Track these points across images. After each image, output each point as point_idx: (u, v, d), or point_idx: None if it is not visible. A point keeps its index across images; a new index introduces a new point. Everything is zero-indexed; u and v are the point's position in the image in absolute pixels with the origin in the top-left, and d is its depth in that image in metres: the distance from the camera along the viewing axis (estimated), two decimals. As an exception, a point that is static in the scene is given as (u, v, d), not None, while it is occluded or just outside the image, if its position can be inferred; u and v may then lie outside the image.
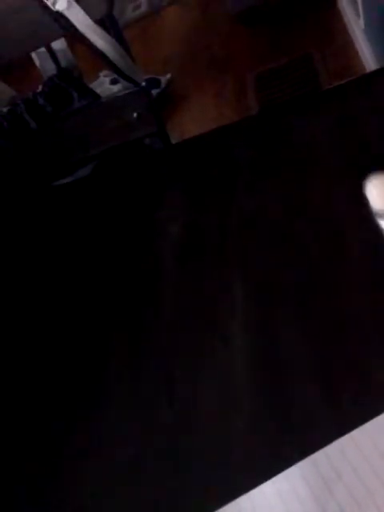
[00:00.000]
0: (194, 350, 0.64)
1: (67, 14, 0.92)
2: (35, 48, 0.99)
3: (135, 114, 1.17)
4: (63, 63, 1.08)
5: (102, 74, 2.20)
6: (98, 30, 0.98)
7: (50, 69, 1.08)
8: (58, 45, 1.03)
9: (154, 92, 2.30)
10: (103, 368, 0.67)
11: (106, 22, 1.03)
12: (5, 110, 1.14)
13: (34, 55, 1.04)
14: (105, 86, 2.19)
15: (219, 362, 0.62)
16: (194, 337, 0.65)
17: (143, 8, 2.92)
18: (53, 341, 0.72)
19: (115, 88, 1.97)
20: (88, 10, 0.94)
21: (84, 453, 0.60)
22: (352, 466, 0.49)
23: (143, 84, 1.18)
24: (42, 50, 1.02)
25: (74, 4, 0.90)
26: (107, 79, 2.19)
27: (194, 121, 2.28)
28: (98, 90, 2.11)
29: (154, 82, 2.33)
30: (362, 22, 2.10)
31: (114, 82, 2.11)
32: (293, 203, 0.75)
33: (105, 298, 0.74)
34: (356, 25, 2.22)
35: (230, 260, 0.72)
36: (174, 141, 1.53)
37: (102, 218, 0.85)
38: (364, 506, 0.47)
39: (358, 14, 2.11)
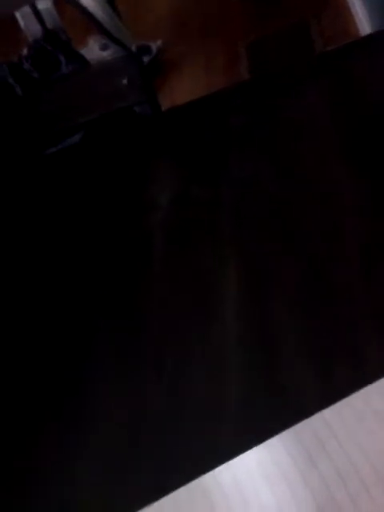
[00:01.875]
0: (185, 328, 0.62)
1: (52, -30, 0.87)
2: (18, 6, 0.94)
3: (125, 81, 1.13)
4: (49, 24, 1.03)
5: (91, 40, 2.14)
6: (86, -11, 0.94)
7: (35, 30, 1.03)
8: (43, 4, 0.98)
9: (145, 59, 2.25)
10: (91, 348, 0.64)
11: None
12: (-12, 75, 1.09)
13: (18, 15, 1.00)
14: (94, 51, 2.13)
15: (210, 340, 0.60)
16: (185, 315, 0.63)
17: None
18: (38, 319, 0.69)
19: (105, 54, 1.92)
20: (74, -33, 0.89)
21: (70, 439, 0.58)
22: (336, 437, 0.49)
23: (133, 49, 1.13)
24: (27, 9, 0.97)
25: None
26: (97, 45, 2.11)
27: (185, 89, 2.24)
28: (88, 57, 2.05)
29: (144, 49, 2.28)
30: (358, -15, 2.05)
31: (103, 47, 2.05)
32: (288, 173, 0.73)
33: (92, 275, 0.71)
34: (352, -11, 2.18)
35: (222, 235, 0.69)
36: (164, 109, 1.49)
37: (89, 191, 0.83)
38: (346, 477, 0.46)
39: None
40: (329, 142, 0.74)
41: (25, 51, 1.07)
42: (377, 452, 0.47)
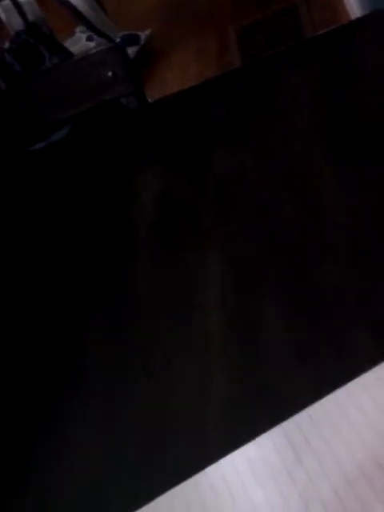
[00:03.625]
0: (169, 323, 0.62)
1: (31, -37, 0.86)
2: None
3: (110, 73, 1.12)
4: (31, 17, 1.01)
5: (77, 30, 2.12)
6: (67, -20, 0.92)
7: (16, 23, 1.02)
8: (24, -3, 0.97)
9: (134, 49, 2.24)
10: (78, 343, 0.64)
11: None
12: (-29, 70, 1.08)
13: (-2, 9, 0.99)
14: (81, 42, 2.12)
15: (195, 335, 0.60)
16: (170, 311, 0.63)
17: None
18: (23, 317, 0.69)
19: (92, 44, 1.91)
20: None
21: (60, 430, 0.58)
22: (320, 433, 0.49)
23: (118, 40, 1.12)
24: (7, 1, 0.96)
25: None
26: (84, 36, 2.11)
27: (175, 78, 2.23)
28: (75, 47, 2.03)
29: (133, 38, 2.27)
30: (347, -30, 2.03)
31: (90, 38, 2.03)
32: (272, 168, 0.72)
33: (77, 270, 0.71)
34: (342, -27, 2.16)
35: (206, 230, 0.69)
36: (154, 99, 1.48)
37: (74, 187, 0.82)
38: (330, 473, 0.47)
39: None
40: (315, 134, 0.73)
41: (7, 44, 1.06)
42: (359, 446, 0.47)
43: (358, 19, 1.40)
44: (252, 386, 0.55)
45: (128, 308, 0.65)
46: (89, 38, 2.03)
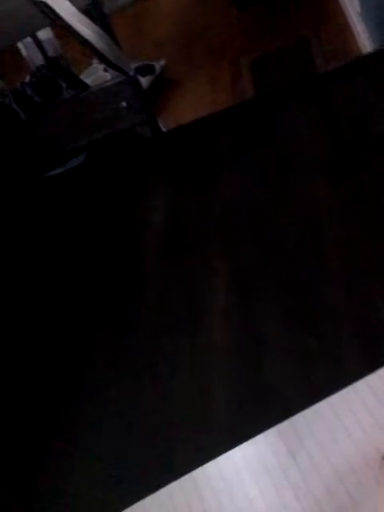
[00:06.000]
0: (176, 335, 0.65)
1: (51, 3, 0.91)
2: (20, 38, 0.98)
3: (124, 103, 1.17)
4: (50, 53, 1.07)
5: (95, 62, 2.19)
6: (84, 19, 0.98)
7: (37, 59, 1.08)
8: (44, 34, 1.03)
9: (148, 78, 2.29)
10: (90, 354, 0.68)
11: (92, 12, 1.02)
12: (-7, 101, 1.14)
13: (20, 45, 1.04)
14: (98, 73, 2.18)
15: (201, 347, 0.63)
16: (176, 323, 0.67)
17: (136, -8, 2.90)
18: (40, 331, 0.73)
19: (108, 75, 1.96)
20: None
21: (72, 437, 0.61)
22: (314, 435, 0.52)
23: (131, 73, 1.17)
24: (29, 39, 1.01)
25: (58, -6, 0.90)
26: (100, 66, 2.17)
27: (189, 106, 2.27)
28: (92, 77, 2.10)
29: (148, 68, 2.32)
30: (357, 4, 2.08)
31: (107, 68, 2.10)
32: (272, 191, 0.76)
33: (91, 286, 0.75)
34: (352, 7, 2.21)
35: (212, 249, 0.73)
36: (169, 127, 1.52)
37: (89, 209, 0.86)
38: (323, 473, 0.50)
39: (353, -4, 2.09)
40: (313, 163, 0.77)
41: (27, 78, 1.12)
42: (350, 447, 0.50)
43: (366, 56, 1.44)
44: (252, 391, 0.58)
45: (136, 320, 0.69)
46: (105, 69, 2.09)
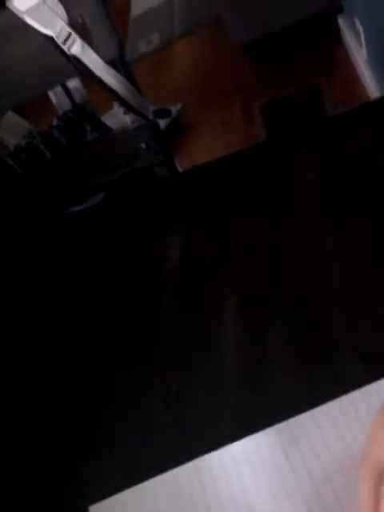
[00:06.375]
0: (189, 360, 0.71)
1: (81, 57, 1.01)
2: (51, 87, 1.08)
3: (144, 145, 1.25)
4: (77, 99, 1.16)
5: (115, 105, 2.29)
6: (110, 70, 1.07)
7: (65, 104, 1.17)
8: (73, 83, 1.12)
9: (165, 121, 2.38)
10: (108, 376, 0.74)
11: (117, 63, 1.12)
12: (23, 142, 1.23)
13: (50, 93, 1.13)
14: (119, 116, 2.28)
15: (211, 369, 0.69)
16: (189, 348, 0.72)
17: (155, 43, 3.05)
18: (63, 356, 0.79)
19: (128, 118, 2.05)
20: (100, 53, 1.03)
21: (92, 452, 0.67)
22: (309, 439, 0.57)
23: (150, 116, 1.26)
24: (58, 87, 1.10)
25: (88, 48, 0.99)
26: (121, 110, 2.27)
27: (204, 148, 2.35)
28: (113, 120, 2.20)
29: (164, 112, 2.41)
30: (364, 52, 2.17)
31: (127, 111, 2.20)
32: (281, 231, 0.82)
33: (112, 312, 0.81)
34: (359, 55, 2.30)
35: (223, 280, 0.79)
36: (185, 167, 1.60)
37: (109, 245, 0.91)
38: (315, 476, 0.55)
39: (361, 45, 2.18)
40: (320, 206, 0.82)
41: (55, 121, 1.21)
42: (342, 451, 0.55)
43: (371, 102, 1.51)
44: (258, 398, 0.64)
45: (152, 347, 0.75)
46: (125, 112, 2.19)
